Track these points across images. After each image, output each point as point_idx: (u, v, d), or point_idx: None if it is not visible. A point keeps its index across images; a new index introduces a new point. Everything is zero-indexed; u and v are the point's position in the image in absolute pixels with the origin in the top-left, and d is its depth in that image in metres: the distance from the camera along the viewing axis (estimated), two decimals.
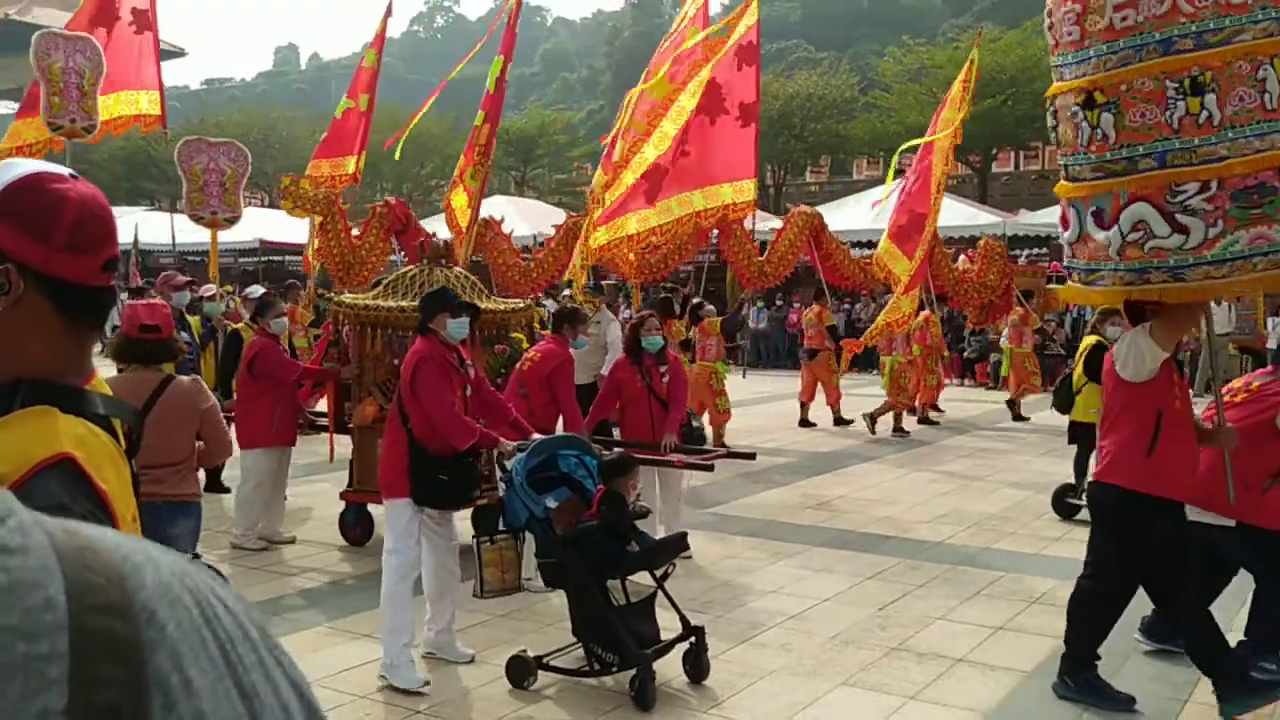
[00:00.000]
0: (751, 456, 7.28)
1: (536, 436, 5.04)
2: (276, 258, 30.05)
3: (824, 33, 67.32)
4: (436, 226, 22.54)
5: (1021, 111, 29.01)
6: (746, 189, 9.08)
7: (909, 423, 13.20)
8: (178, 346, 4.99)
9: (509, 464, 4.75)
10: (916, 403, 13.59)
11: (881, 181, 28.07)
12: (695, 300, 11.90)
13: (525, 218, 27.31)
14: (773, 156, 33.11)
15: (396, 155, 12.52)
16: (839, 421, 13.57)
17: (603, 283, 14.43)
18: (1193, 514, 4.60)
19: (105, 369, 1.98)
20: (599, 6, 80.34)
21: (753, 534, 7.62)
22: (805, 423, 13.72)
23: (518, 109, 63.19)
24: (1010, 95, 29.52)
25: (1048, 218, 19.32)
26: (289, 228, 28.42)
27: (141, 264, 25.42)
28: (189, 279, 8.43)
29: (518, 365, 6.32)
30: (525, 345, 6.56)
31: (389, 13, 13.80)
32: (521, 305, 6.98)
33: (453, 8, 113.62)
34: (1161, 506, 4.40)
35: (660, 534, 5.68)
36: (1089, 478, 5.00)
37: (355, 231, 10.79)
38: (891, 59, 38.02)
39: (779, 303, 22.64)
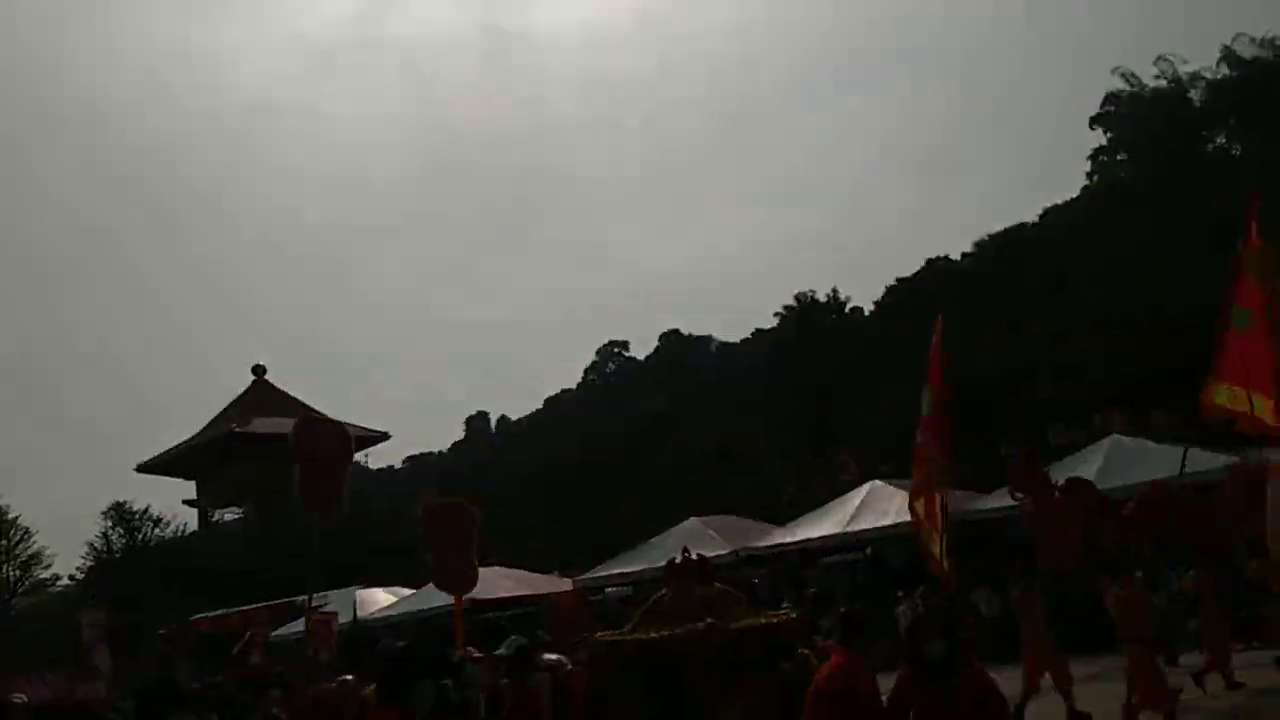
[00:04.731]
0: None
1: None
2: (490, 613, 30.31)
3: None
4: None
5: None
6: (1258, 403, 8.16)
7: None
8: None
9: None
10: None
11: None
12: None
13: (722, 534, 26.53)
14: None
15: None
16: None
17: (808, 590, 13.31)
18: None
19: None
20: (756, 326, 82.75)
21: None
22: (1077, 715, 11.68)
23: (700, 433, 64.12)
24: None
25: None
26: (492, 585, 28.88)
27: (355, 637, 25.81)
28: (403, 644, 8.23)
29: (811, 688, 5.22)
30: (815, 662, 5.57)
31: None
32: (792, 615, 6.08)
33: (622, 353, 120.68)
34: None
35: None
36: None
37: None
38: None
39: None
